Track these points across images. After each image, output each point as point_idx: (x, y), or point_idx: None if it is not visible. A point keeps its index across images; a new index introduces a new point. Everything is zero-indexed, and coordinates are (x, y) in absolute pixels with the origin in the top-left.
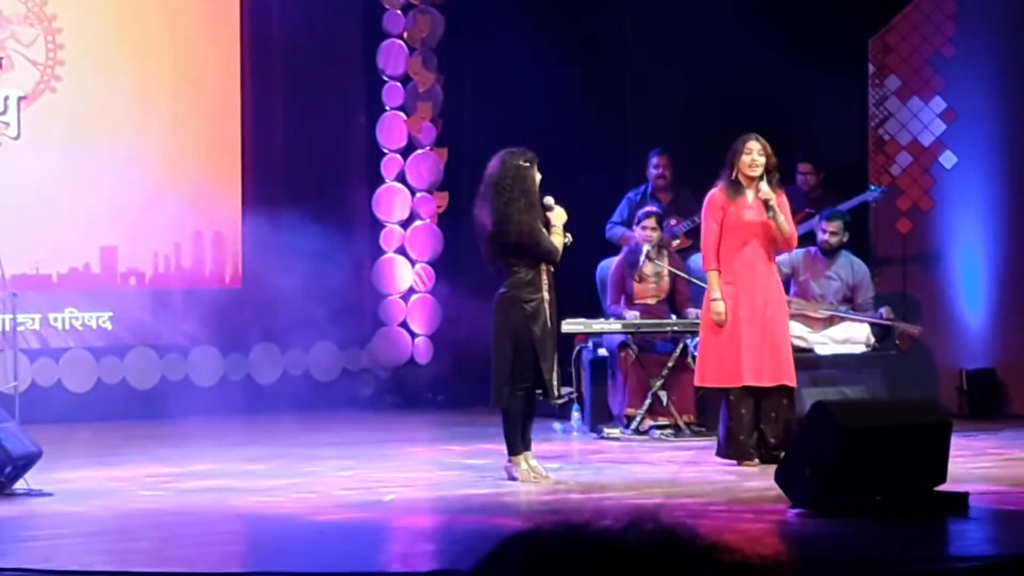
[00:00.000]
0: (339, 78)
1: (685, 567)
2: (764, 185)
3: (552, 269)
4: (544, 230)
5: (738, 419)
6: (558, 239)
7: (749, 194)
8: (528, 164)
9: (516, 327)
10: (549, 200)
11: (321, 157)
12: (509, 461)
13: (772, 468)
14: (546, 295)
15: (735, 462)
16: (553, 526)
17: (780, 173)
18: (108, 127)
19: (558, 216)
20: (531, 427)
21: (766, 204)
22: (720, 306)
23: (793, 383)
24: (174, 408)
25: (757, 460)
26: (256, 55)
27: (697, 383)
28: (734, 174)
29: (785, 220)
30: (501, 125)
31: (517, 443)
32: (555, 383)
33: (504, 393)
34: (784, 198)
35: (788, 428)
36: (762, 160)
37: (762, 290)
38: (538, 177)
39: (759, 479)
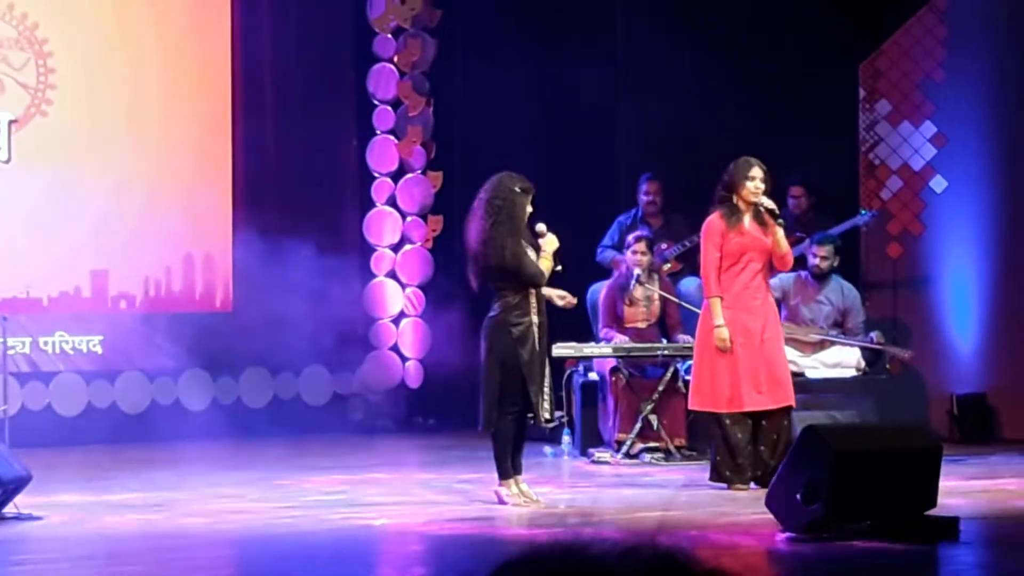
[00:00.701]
0: (330, 102)
1: None
2: (766, 198)
3: (542, 295)
4: (528, 254)
5: (734, 443)
6: (545, 263)
7: (747, 219)
8: (521, 191)
9: (504, 351)
10: (541, 227)
11: (312, 181)
12: (500, 485)
13: (763, 492)
14: (535, 319)
15: (726, 486)
16: (551, 549)
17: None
18: (99, 151)
19: (549, 243)
20: (522, 451)
21: (773, 213)
22: (724, 332)
23: (792, 403)
24: (164, 432)
25: (751, 484)
26: (247, 80)
27: (691, 407)
28: (734, 199)
29: (784, 238)
30: (493, 149)
31: (507, 467)
32: (545, 407)
33: (493, 417)
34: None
35: (787, 449)
36: (763, 187)
37: (760, 314)
38: (529, 209)
39: (750, 504)
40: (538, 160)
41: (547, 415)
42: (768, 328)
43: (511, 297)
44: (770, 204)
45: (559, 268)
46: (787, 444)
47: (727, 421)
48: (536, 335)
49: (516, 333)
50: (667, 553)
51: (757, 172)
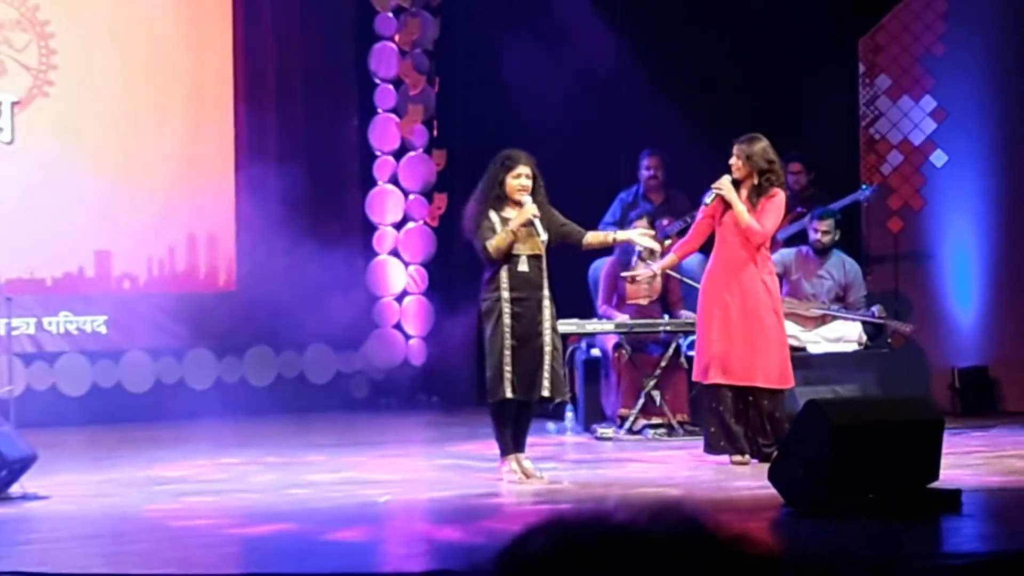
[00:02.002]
0: (331, 81)
1: (709, 558)
2: (724, 178)
3: (521, 268)
4: (491, 227)
5: (731, 416)
6: (501, 237)
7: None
8: (500, 166)
9: (478, 326)
10: (525, 198)
11: (314, 160)
12: (501, 462)
13: (765, 467)
14: (505, 294)
15: (726, 459)
16: (577, 515)
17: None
18: (101, 131)
19: (521, 213)
20: (526, 429)
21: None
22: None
23: (778, 385)
24: (169, 411)
25: (747, 456)
26: (248, 58)
27: (695, 378)
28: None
29: (749, 213)
30: (496, 127)
31: (506, 443)
32: (505, 385)
33: (488, 391)
34: (778, 199)
35: (777, 425)
36: (739, 165)
37: (747, 292)
38: (513, 182)
39: (752, 478)
40: (541, 138)
41: (546, 393)
42: (748, 302)
43: (486, 272)
44: (719, 184)
45: (544, 238)
46: (774, 420)
47: (728, 393)
48: (505, 310)
49: (484, 307)
50: (692, 519)
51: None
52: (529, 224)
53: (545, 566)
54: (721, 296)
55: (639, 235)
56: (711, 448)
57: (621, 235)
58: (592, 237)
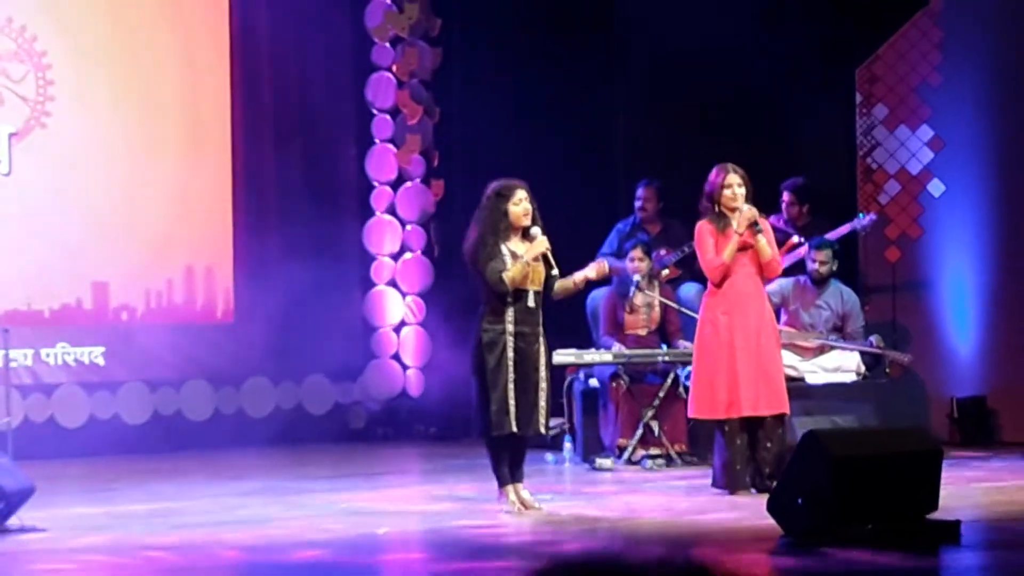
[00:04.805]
0: (329, 111)
1: None
2: (746, 206)
3: (529, 304)
4: (502, 259)
5: (735, 449)
6: (517, 268)
7: (735, 223)
8: (498, 195)
9: (475, 357)
10: (535, 230)
11: (311, 190)
12: (499, 493)
13: (765, 497)
14: (510, 327)
15: (728, 492)
16: (585, 558)
17: (766, 201)
18: (98, 163)
19: (532, 247)
20: (522, 459)
21: (753, 223)
22: (753, 211)
23: (787, 411)
24: (167, 443)
25: (752, 490)
26: (246, 89)
27: (691, 415)
28: (716, 208)
29: (768, 244)
30: (494, 157)
31: (503, 474)
32: (511, 418)
33: (482, 424)
34: (766, 224)
35: (782, 457)
36: (742, 192)
37: (754, 319)
38: (515, 209)
39: (752, 509)
40: (538, 168)
41: (542, 429)
42: (764, 333)
43: (488, 303)
44: (750, 211)
45: (555, 272)
46: (780, 451)
47: (726, 427)
48: (509, 344)
49: (486, 339)
50: (700, 565)
51: (733, 179)
52: (541, 258)
53: None
54: (742, 328)
55: (590, 270)
56: (722, 483)
57: (578, 276)
58: (558, 285)
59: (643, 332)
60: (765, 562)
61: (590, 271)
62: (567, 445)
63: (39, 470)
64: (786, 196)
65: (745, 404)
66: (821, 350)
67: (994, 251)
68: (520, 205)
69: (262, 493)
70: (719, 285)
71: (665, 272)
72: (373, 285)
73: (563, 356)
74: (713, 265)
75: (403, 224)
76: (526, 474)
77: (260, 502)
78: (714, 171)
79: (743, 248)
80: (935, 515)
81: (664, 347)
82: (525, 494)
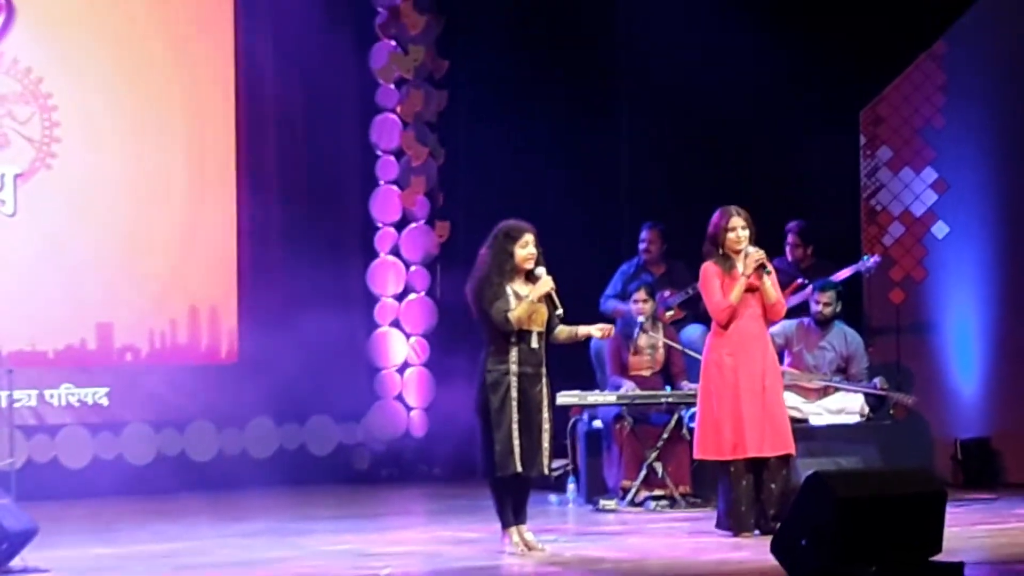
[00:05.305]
0: (333, 153)
1: None
2: (752, 248)
3: (533, 345)
4: (506, 299)
5: (740, 490)
6: (522, 308)
7: (740, 265)
8: (505, 236)
9: (479, 398)
10: (540, 271)
11: (316, 232)
12: (502, 534)
13: (769, 539)
14: (514, 367)
15: (732, 533)
16: None
17: (770, 243)
18: (104, 203)
19: (537, 287)
20: (526, 501)
21: (760, 265)
22: (761, 253)
23: (793, 451)
24: (171, 483)
25: (756, 531)
26: (251, 130)
27: (696, 456)
28: (720, 250)
29: (772, 286)
30: (499, 199)
31: (507, 516)
32: (516, 458)
33: (486, 466)
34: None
35: (786, 498)
36: (746, 234)
37: (759, 360)
38: (522, 252)
39: (756, 550)
40: (542, 210)
41: (546, 470)
42: (768, 375)
43: (492, 344)
44: (757, 254)
45: (559, 312)
46: (784, 492)
47: (732, 469)
48: (513, 384)
49: (489, 380)
50: None
51: (737, 221)
52: (546, 298)
53: None
54: (747, 369)
55: (595, 329)
56: (727, 525)
57: (582, 330)
58: (563, 331)
59: (647, 373)
60: None
61: (595, 330)
62: (571, 486)
63: (43, 511)
64: (790, 238)
65: (751, 445)
66: (825, 392)
67: (998, 293)
68: (527, 248)
69: (266, 534)
70: (725, 327)
71: (669, 314)
72: (377, 326)
73: (567, 397)
74: (720, 307)
75: (407, 265)
76: (530, 515)
77: (264, 543)
78: (717, 214)
79: (749, 290)
80: (939, 557)
81: (668, 388)
82: (529, 535)
